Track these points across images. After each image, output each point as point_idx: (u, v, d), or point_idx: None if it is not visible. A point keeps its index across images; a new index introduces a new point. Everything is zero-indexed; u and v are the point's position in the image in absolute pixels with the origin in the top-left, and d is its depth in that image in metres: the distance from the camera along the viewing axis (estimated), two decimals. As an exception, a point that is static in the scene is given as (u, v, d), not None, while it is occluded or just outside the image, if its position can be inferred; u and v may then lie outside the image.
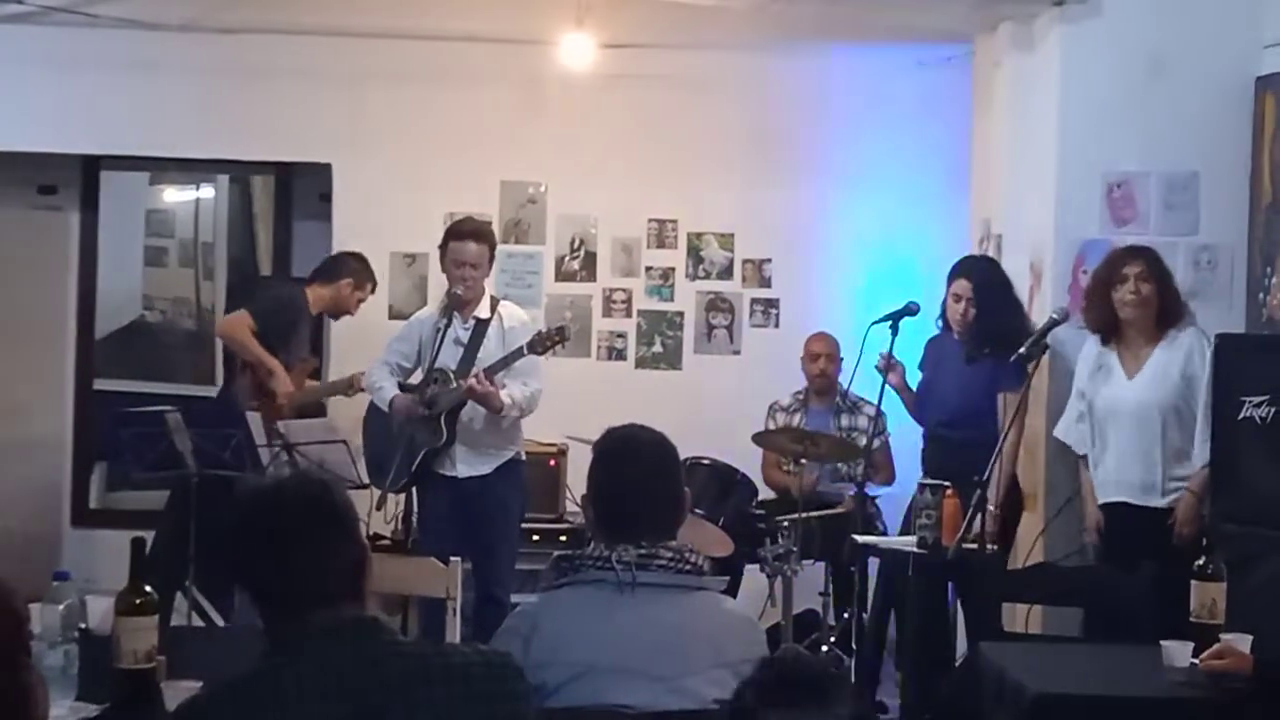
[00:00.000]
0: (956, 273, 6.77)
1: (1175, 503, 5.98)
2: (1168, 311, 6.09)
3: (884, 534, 7.13)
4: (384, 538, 7.48)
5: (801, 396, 7.95)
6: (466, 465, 6.68)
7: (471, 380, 6.45)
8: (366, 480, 6.98)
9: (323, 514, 2.67)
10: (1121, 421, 6.07)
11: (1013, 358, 6.20)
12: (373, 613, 2.68)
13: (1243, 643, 4.16)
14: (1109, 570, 5.84)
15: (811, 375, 7.89)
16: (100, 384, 9.06)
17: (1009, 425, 6.23)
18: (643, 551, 3.38)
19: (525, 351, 6.49)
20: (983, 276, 6.74)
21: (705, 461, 7.50)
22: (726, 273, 8.63)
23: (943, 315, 6.84)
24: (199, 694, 2.84)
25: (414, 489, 6.96)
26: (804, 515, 6.84)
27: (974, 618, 6.07)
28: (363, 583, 2.67)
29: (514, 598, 6.39)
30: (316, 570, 2.62)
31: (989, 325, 6.60)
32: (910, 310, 6.83)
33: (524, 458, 6.87)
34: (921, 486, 6.25)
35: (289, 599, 2.62)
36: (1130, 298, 6.06)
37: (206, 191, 9.77)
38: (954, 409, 6.70)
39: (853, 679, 6.52)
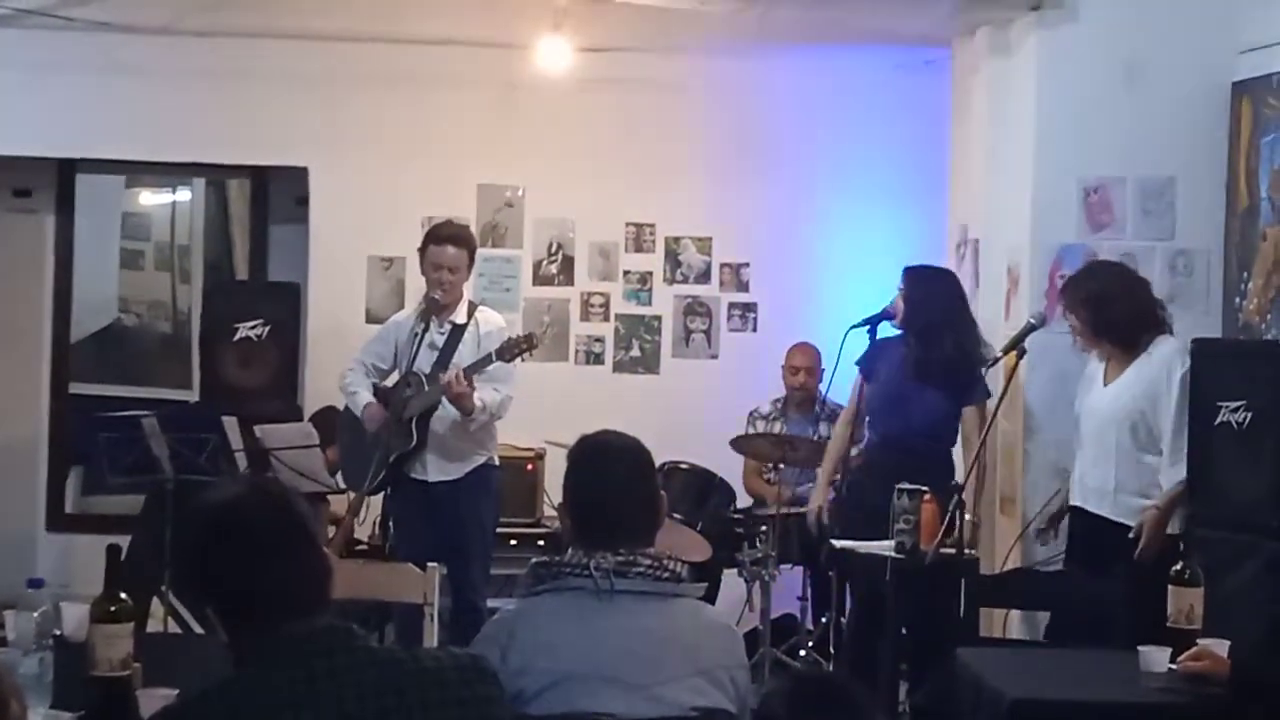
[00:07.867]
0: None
1: (1123, 513, 5.90)
2: (1112, 330, 5.97)
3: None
4: (362, 543, 7.45)
5: (780, 405, 7.94)
6: (437, 470, 6.66)
7: (450, 377, 6.43)
8: (342, 485, 6.97)
9: (288, 524, 2.65)
10: (1088, 428, 6.05)
11: (988, 366, 6.18)
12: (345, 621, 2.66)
13: (1220, 647, 4.17)
14: (1084, 576, 5.85)
15: (791, 387, 7.88)
16: (76, 388, 9.01)
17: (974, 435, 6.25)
18: (621, 558, 3.37)
19: (494, 358, 6.48)
20: (911, 289, 6.64)
21: (683, 466, 7.50)
22: (704, 277, 8.62)
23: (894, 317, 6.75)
24: (174, 703, 2.82)
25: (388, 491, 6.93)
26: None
27: (950, 623, 6.06)
28: (329, 591, 2.66)
29: (492, 603, 6.38)
30: (286, 581, 2.61)
31: (924, 342, 6.57)
32: (888, 315, 6.82)
33: (497, 464, 6.84)
34: (899, 491, 6.16)
35: (259, 612, 2.60)
36: (1070, 330, 6.08)
37: (183, 195, 9.75)
38: (900, 416, 6.63)
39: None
